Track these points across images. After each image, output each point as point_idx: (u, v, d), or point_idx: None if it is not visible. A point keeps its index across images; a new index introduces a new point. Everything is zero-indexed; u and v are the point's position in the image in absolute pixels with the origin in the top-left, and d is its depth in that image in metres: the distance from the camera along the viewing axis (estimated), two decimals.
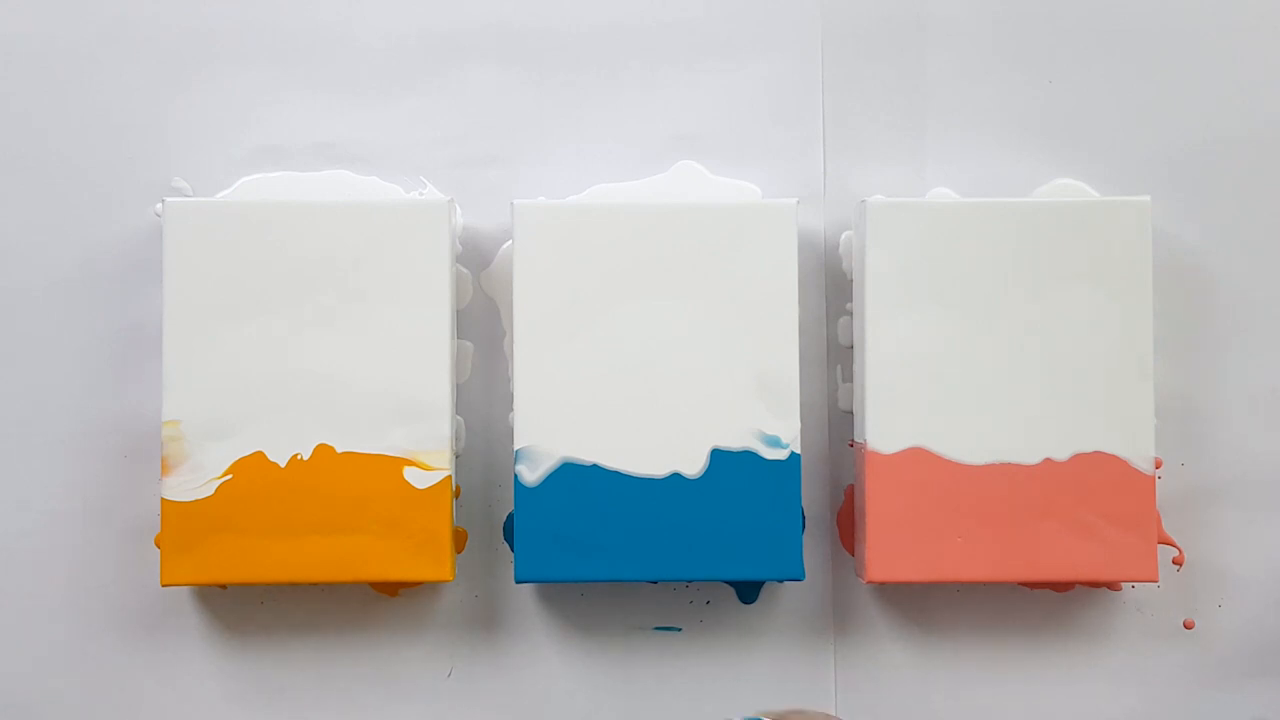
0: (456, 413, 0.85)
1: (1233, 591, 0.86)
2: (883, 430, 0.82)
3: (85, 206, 0.86)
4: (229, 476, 0.81)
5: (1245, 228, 0.87)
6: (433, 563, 0.81)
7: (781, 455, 0.81)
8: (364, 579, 0.81)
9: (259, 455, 0.81)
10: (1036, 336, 0.82)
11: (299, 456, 0.81)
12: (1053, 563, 0.82)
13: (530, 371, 0.81)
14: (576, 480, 0.81)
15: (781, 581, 0.85)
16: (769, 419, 0.81)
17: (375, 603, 0.85)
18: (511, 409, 0.83)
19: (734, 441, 0.81)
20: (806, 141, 0.87)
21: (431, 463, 0.81)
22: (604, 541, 0.81)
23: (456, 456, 0.85)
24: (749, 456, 0.81)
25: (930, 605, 0.86)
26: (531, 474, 0.81)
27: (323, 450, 0.81)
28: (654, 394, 0.81)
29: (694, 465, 0.81)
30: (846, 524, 0.87)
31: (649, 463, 0.81)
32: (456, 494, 0.85)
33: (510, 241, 0.84)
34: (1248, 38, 0.87)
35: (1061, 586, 0.86)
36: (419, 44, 0.87)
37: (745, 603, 0.86)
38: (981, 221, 0.83)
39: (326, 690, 0.85)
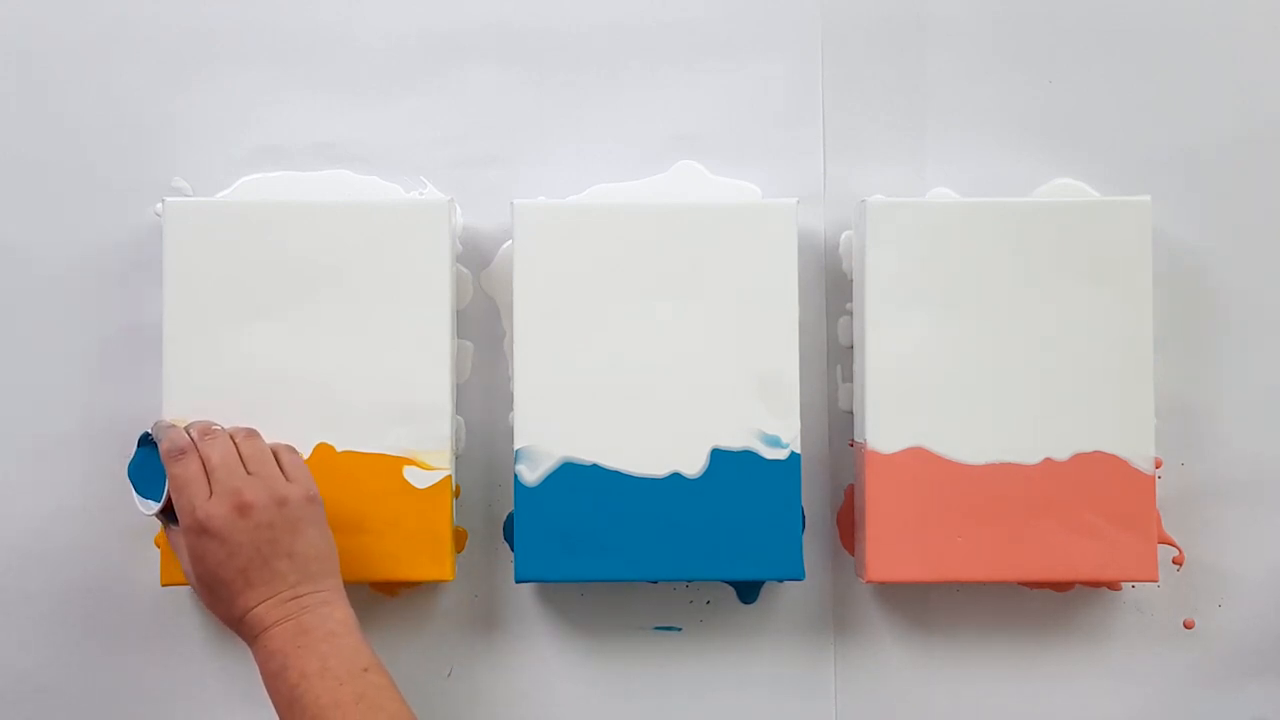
0: (456, 413, 0.85)
1: (1233, 591, 0.86)
2: (883, 430, 0.82)
3: (85, 206, 0.86)
4: None
5: (1245, 228, 0.87)
6: (433, 563, 0.81)
7: (781, 455, 0.81)
8: (364, 579, 0.81)
9: None
10: (1036, 336, 0.82)
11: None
12: (1053, 563, 0.82)
13: (530, 371, 0.81)
14: (576, 480, 0.81)
15: (781, 581, 0.85)
16: (769, 419, 0.81)
17: (375, 603, 0.85)
18: (511, 409, 0.83)
19: (734, 441, 0.81)
20: (806, 141, 0.87)
21: (431, 462, 0.81)
22: (604, 541, 0.81)
23: (456, 456, 0.85)
24: (749, 456, 0.81)
25: (930, 605, 0.86)
26: (531, 474, 0.81)
27: (323, 450, 0.81)
28: (654, 394, 0.81)
29: (694, 465, 0.81)
30: (846, 524, 0.87)
31: (649, 463, 0.81)
32: (456, 494, 0.85)
33: (510, 241, 0.84)
34: (1248, 38, 0.87)
35: (1061, 586, 0.86)
36: (419, 44, 0.87)
37: (745, 603, 0.86)
38: (981, 221, 0.83)
39: None
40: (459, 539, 0.86)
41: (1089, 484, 0.82)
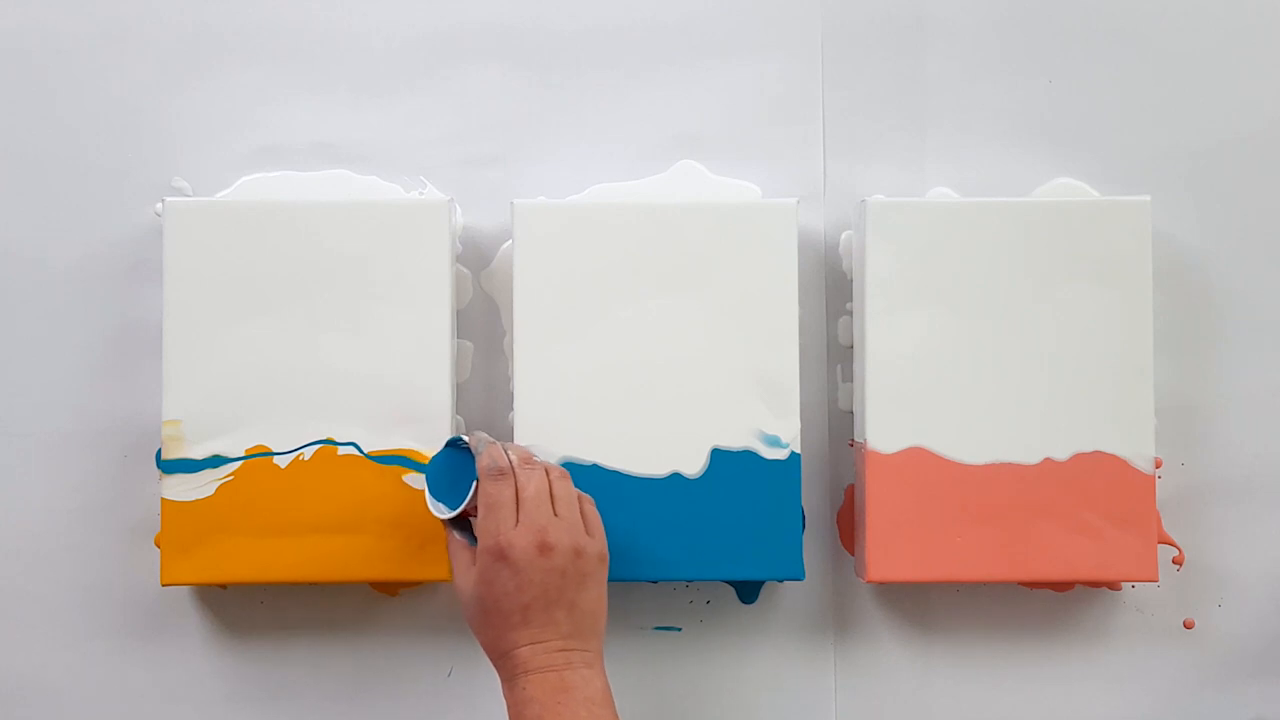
0: (456, 413, 0.85)
1: (1233, 591, 0.86)
2: (883, 430, 0.82)
3: (85, 206, 0.86)
4: (229, 476, 0.81)
5: (1245, 228, 0.87)
6: (433, 563, 0.81)
7: (781, 455, 0.81)
8: (364, 579, 0.81)
9: (259, 455, 0.81)
10: (1036, 336, 0.82)
11: (299, 456, 0.81)
12: (1053, 563, 0.82)
13: (530, 371, 0.81)
14: (576, 480, 0.81)
15: (781, 581, 0.85)
16: (769, 419, 0.81)
17: (375, 603, 0.85)
18: (511, 409, 0.83)
19: (734, 441, 0.81)
20: (806, 141, 0.87)
21: None
22: None
23: None
24: (749, 456, 0.81)
25: (930, 605, 0.86)
26: None
27: (323, 450, 0.81)
28: (654, 394, 0.81)
29: (694, 465, 0.81)
30: (846, 524, 0.87)
31: (649, 462, 0.81)
32: None
33: (510, 241, 0.84)
34: (1248, 38, 0.87)
35: (1061, 586, 0.86)
36: (419, 44, 0.87)
37: (745, 603, 0.86)
38: (981, 221, 0.83)
39: (326, 690, 0.85)
40: None
41: (1089, 484, 0.82)
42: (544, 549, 0.72)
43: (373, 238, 0.82)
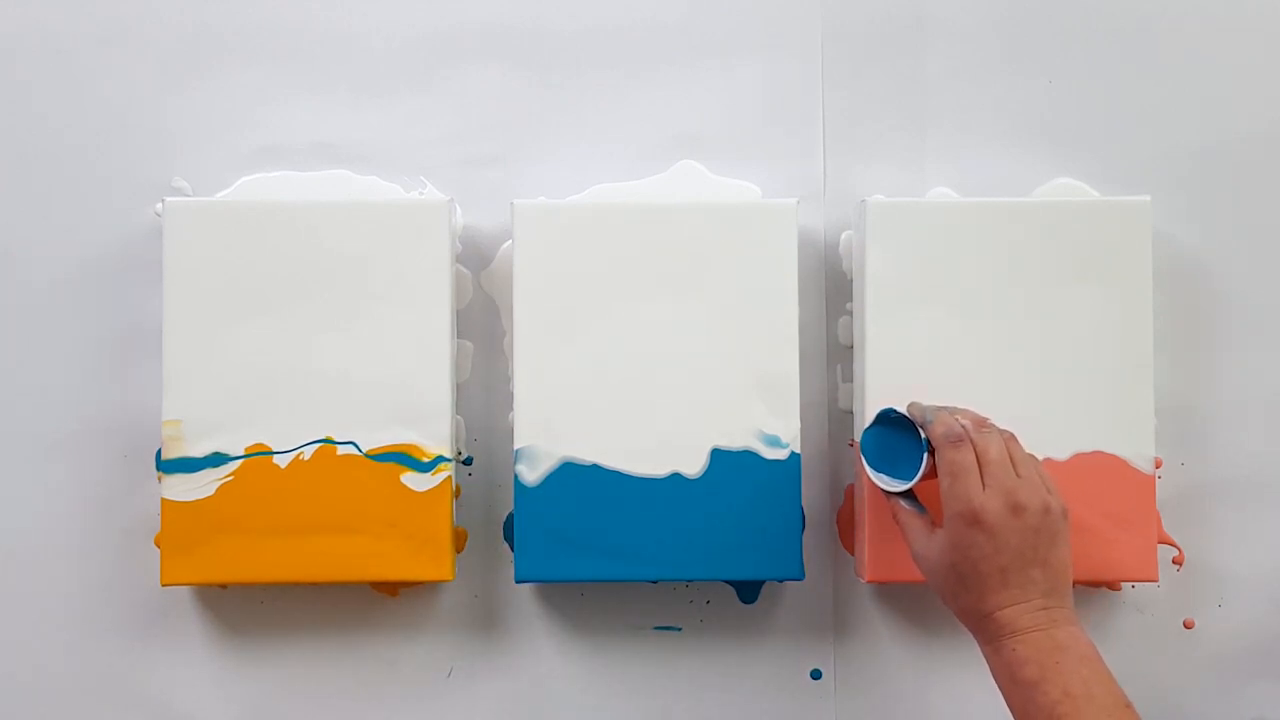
0: (456, 413, 0.85)
1: (1233, 591, 0.86)
2: None
3: (85, 206, 0.86)
4: (229, 476, 0.81)
5: (1245, 228, 0.87)
6: (433, 563, 0.81)
7: (781, 455, 0.81)
8: (364, 579, 0.81)
9: (259, 455, 0.81)
10: (1037, 336, 0.82)
11: (299, 456, 0.81)
12: None
13: (530, 371, 0.81)
14: (576, 480, 0.81)
15: (781, 581, 0.85)
16: (769, 419, 0.81)
17: (375, 603, 0.85)
18: (511, 409, 0.83)
19: (734, 441, 0.81)
20: (806, 141, 0.87)
21: None
22: (604, 541, 0.81)
23: (457, 455, 0.85)
24: (749, 456, 0.81)
25: (930, 605, 0.86)
26: (531, 474, 0.81)
27: (323, 450, 0.81)
28: (654, 394, 0.81)
29: (694, 465, 0.81)
30: (846, 524, 0.87)
31: (649, 463, 0.81)
32: (456, 494, 0.85)
33: (510, 241, 0.84)
34: (1248, 38, 0.87)
35: None
36: (419, 44, 0.87)
37: (745, 603, 0.86)
38: (981, 221, 0.83)
39: (326, 690, 0.85)
40: (459, 539, 0.86)
41: (1089, 484, 0.82)
42: (1016, 510, 0.71)
43: (373, 238, 0.82)
